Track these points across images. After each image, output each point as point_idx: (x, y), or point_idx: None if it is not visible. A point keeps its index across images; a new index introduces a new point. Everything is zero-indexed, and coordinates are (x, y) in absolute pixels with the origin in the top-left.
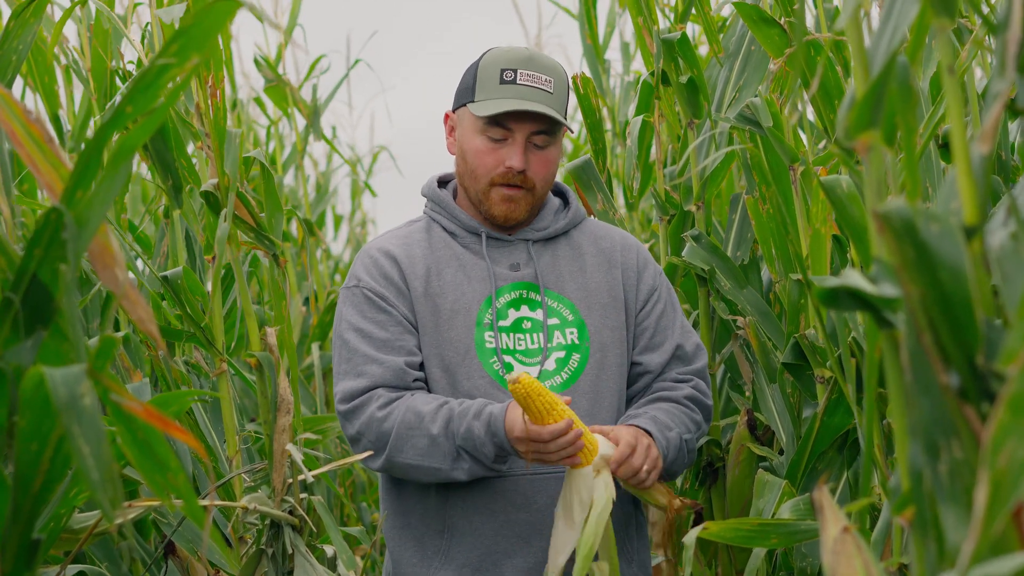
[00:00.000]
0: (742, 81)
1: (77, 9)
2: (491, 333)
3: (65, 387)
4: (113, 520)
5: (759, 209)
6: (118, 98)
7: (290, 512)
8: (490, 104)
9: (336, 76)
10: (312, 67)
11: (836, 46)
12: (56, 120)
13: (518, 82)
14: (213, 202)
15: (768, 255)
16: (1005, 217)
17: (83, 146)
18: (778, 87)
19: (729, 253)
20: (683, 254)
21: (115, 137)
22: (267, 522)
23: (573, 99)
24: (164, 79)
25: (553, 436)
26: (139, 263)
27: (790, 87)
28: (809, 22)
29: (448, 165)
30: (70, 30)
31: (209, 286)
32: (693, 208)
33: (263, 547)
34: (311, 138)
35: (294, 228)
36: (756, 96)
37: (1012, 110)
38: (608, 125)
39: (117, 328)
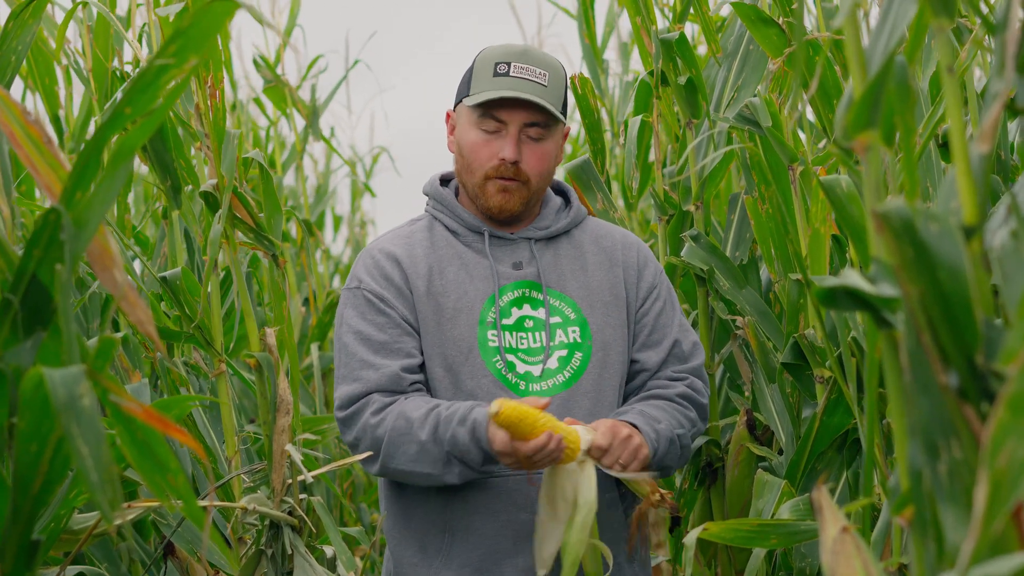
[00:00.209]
0: (740, 81)
1: (78, 10)
2: (494, 331)
3: (64, 388)
4: (112, 521)
5: (758, 209)
6: (117, 99)
7: (289, 513)
8: (482, 95)
9: (336, 77)
10: (310, 67)
11: (835, 46)
12: (56, 121)
13: (511, 74)
14: (212, 203)
15: (767, 255)
16: (1005, 216)
17: (83, 147)
18: (777, 87)
19: (728, 253)
20: (682, 254)
21: (114, 138)
22: (266, 523)
23: (572, 100)
24: (163, 80)
25: (536, 451)
26: (137, 264)
27: (789, 87)
28: (807, 22)
29: (449, 165)
30: (71, 30)
31: (208, 287)
32: (692, 208)
33: (262, 548)
34: (310, 139)
35: (293, 229)
36: (755, 96)
37: (1011, 109)
38: (607, 126)
39: (116, 329)
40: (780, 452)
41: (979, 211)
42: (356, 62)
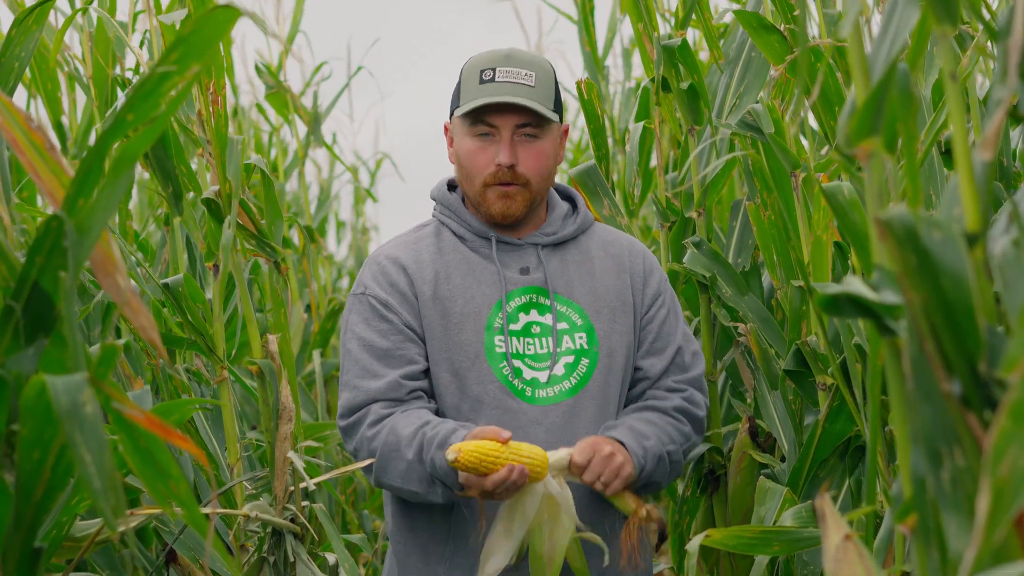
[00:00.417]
0: (743, 87)
1: (78, 16)
2: (501, 337)
3: (67, 395)
4: (115, 528)
5: (760, 215)
6: (119, 106)
7: (292, 520)
8: (469, 104)
9: (338, 82)
10: (313, 74)
11: (837, 52)
12: (59, 127)
13: (496, 79)
14: (214, 209)
15: (769, 262)
16: (1007, 224)
17: (85, 153)
18: (779, 93)
19: (730, 260)
20: (684, 261)
21: (116, 145)
22: (269, 530)
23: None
24: (165, 87)
25: (495, 486)
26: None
27: (791, 93)
28: (809, 28)
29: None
30: (71, 37)
31: (210, 293)
32: (694, 215)
33: (265, 555)
34: (312, 144)
35: (295, 235)
36: (757, 102)
37: (1014, 117)
38: (608, 132)
39: (118, 335)
40: (782, 459)
41: (982, 218)
42: (359, 69)
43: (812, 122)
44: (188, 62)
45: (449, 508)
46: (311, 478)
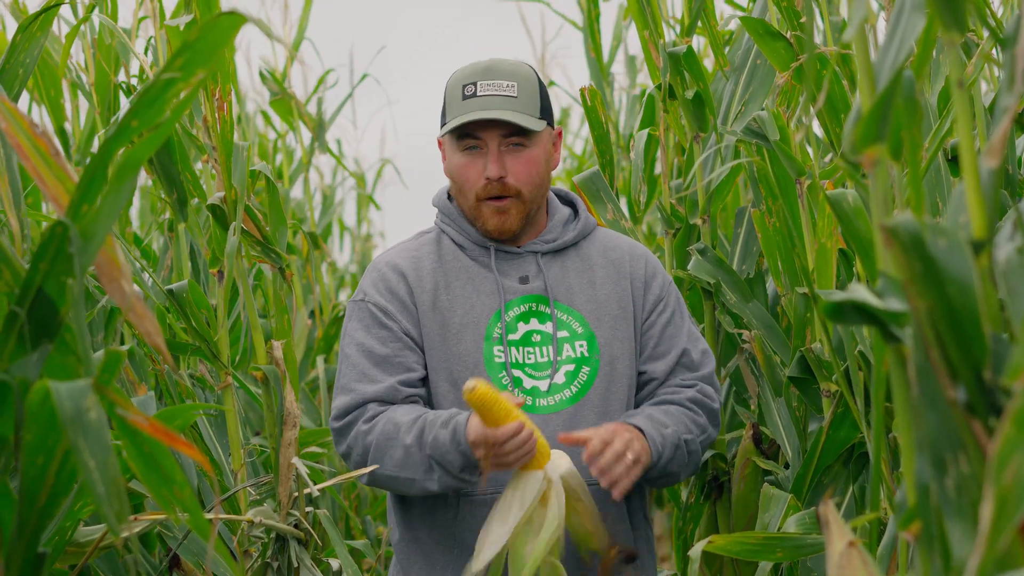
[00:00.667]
0: (748, 95)
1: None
2: (500, 347)
3: (71, 401)
4: (119, 534)
5: (765, 222)
6: (123, 112)
7: (295, 525)
8: (452, 122)
9: (342, 89)
10: (319, 83)
11: (842, 59)
12: (62, 133)
13: (478, 93)
14: (219, 215)
15: (774, 269)
16: (1012, 232)
17: (88, 160)
18: (784, 100)
19: (735, 267)
20: (688, 268)
21: (121, 151)
22: (272, 535)
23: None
24: (169, 93)
25: (507, 437)
26: (144, 276)
27: (796, 101)
28: (814, 35)
29: None
30: (74, 44)
31: (214, 299)
32: (699, 221)
33: (268, 560)
34: (316, 151)
35: (299, 241)
36: (763, 110)
37: (1020, 124)
38: (612, 138)
39: (122, 341)
40: (786, 466)
41: (988, 226)
42: (364, 76)
43: (817, 129)
44: (193, 68)
45: (452, 517)
46: (315, 484)
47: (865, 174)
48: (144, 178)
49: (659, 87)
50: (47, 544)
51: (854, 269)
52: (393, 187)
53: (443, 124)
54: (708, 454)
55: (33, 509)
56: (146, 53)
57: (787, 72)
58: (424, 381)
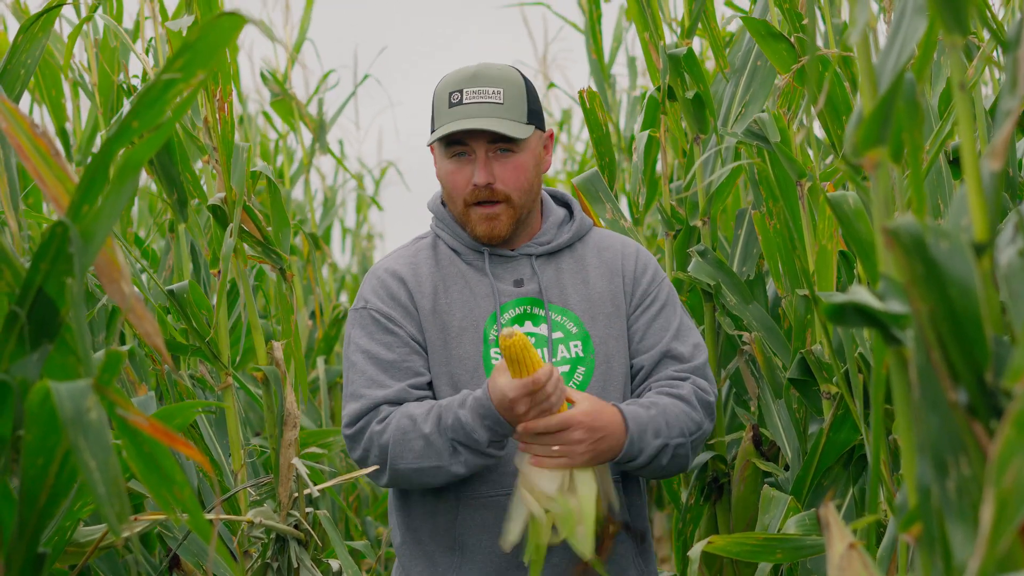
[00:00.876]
0: (748, 96)
1: (83, 24)
2: (496, 350)
3: (71, 401)
4: (119, 534)
5: (766, 224)
6: (124, 112)
7: (295, 526)
8: (439, 131)
9: (344, 89)
10: (320, 83)
11: (844, 61)
12: (63, 134)
13: (464, 101)
14: (220, 216)
15: (775, 270)
16: (1013, 234)
17: (89, 160)
18: (785, 102)
19: (735, 268)
20: (689, 269)
21: (121, 151)
22: (272, 536)
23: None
24: (170, 94)
25: (548, 377)
26: (144, 277)
27: (797, 102)
28: (816, 37)
29: None
30: (76, 44)
31: (214, 300)
32: (699, 223)
33: (268, 561)
34: (317, 152)
35: (300, 242)
36: (763, 111)
37: (1022, 127)
38: (612, 140)
39: (122, 342)
40: (786, 468)
41: (989, 228)
42: (366, 77)
43: (817, 131)
44: (193, 69)
45: (452, 519)
46: (315, 484)
47: (866, 176)
48: (144, 179)
49: (659, 89)
50: (47, 544)
51: (855, 271)
52: (392, 187)
53: (432, 130)
54: (707, 455)
55: (33, 509)
56: (147, 54)
57: (788, 74)
58: (431, 385)
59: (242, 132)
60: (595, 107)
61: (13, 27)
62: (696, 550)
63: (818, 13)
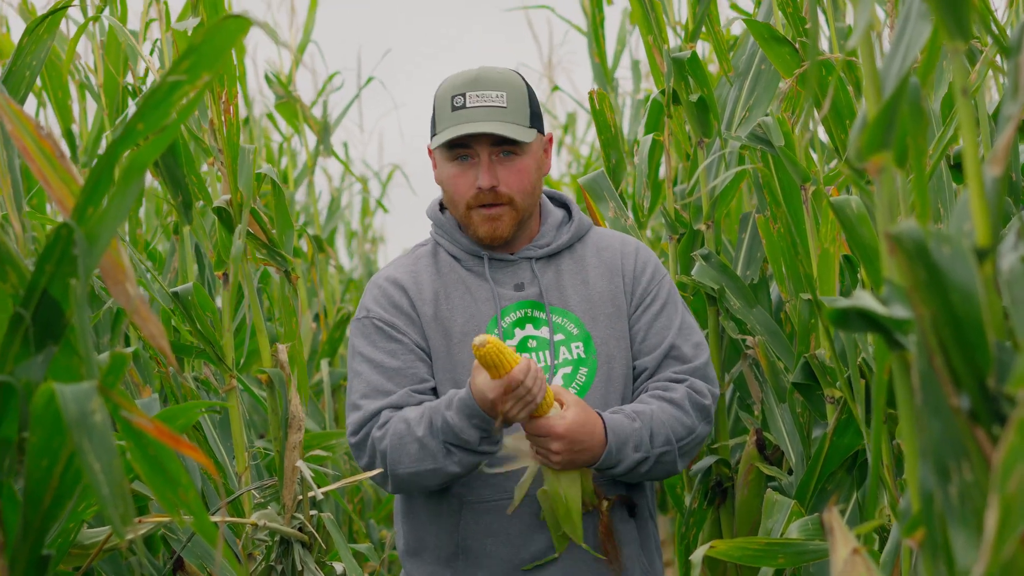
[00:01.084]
0: (752, 100)
1: (90, 24)
2: (509, 342)
3: (76, 403)
4: (123, 536)
5: (769, 228)
6: (129, 114)
7: (299, 529)
8: (442, 134)
9: (347, 91)
10: (324, 85)
11: (847, 65)
12: (69, 135)
13: (467, 105)
14: (225, 218)
15: (778, 274)
16: (1015, 240)
17: (95, 162)
18: (789, 106)
19: (739, 272)
20: (692, 273)
21: (127, 153)
22: (277, 538)
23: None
24: (175, 96)
25: (525, 373)
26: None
27: (801, 106)
28: (820, 41)
29: None
30: (83, 46)
31: (219, 302)
32: (703, 227)
33: (272, 564)
34: (322, 154)
35: (304, 245)
36: (767, 115)
37: (1023, 132)
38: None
39: (127, 344)
40: (790, 472)
41: (992, 233)
42: (370, 80)
43: (822, 134)
44: (199, 71)
45: (455, 524)
46: (319, 487)
47: (870, 180)
48: (151, 181)
49: (663, 92)
50: (51, 546)
51: (858, 275)
52: (396, 190)
53: (433, 134)
54: (711, 459)
55: (37, 511)
56: (152, 55)
57: (792, 78)
58: (435, 391)
59: (247, 134)
60: (604, 108)
61: (17, 28)
62: (698, 555)
63: (822, 17)
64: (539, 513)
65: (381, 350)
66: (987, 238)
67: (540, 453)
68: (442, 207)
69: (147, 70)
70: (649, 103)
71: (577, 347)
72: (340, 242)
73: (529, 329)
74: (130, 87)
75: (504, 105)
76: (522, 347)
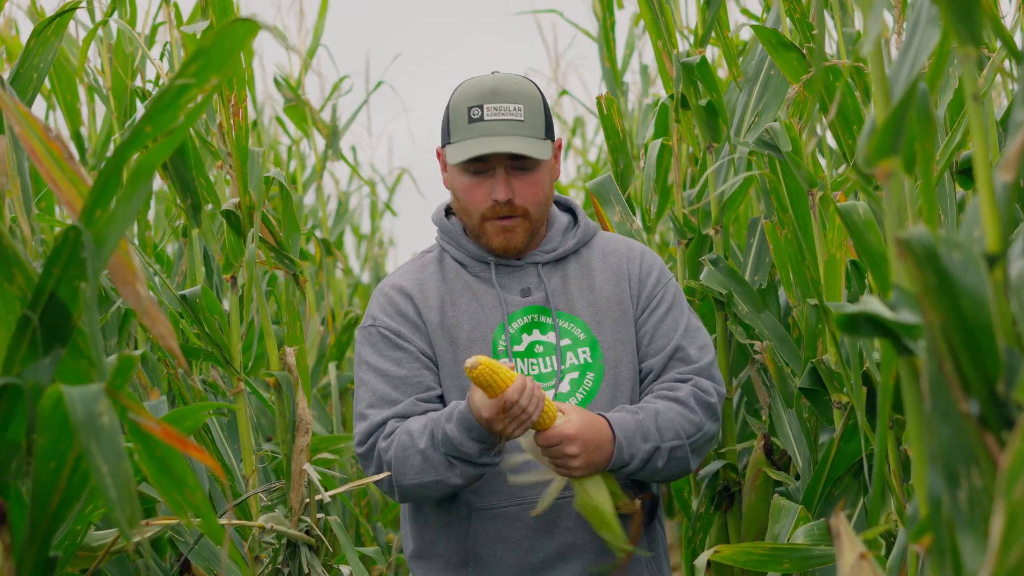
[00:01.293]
0: (761, 105)
1: (98, 29)
2: (506, 360)
3: (83, 405)
4: (130, 538)
5: (777, 234)
6: (137, 117)
7: (306, 532)
8: (461, 148)
9: (355, 95)
10: (334, 89)
11: (855, 71)
12: (78, 138)
13: (485, 118)
14: (234, 221)
15: (785, 280)
16: (1023, 247)
17: (103, 164)
18: (797, 112)
19: (747, 277)
20: (701, 278)
21: (135, 156)
22: (284, 541)
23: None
24: (183, 99)
25: (519, 393)
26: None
27: (808, 112)
28: (829, 47)
29: None
30: (91, 49)
31: (227, 305)
32: (711, 232)
33: (279, 566)
34: (331, 158)
35: (312, 248)
36: (775, 121)
37: None
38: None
39: (135, 346)
40: (797, 477)
41: (1002, 239)
42: (379, 84)
43: (830, 140)
44: (207, 74)
45: (465, 531)
46: (326, 490)
47: (878, 186)
48: (160, 183)
49: (672, 97)
50: (58, 548)
51: (866, 281)
52: (405, 193)
53: (446, 140)
54: (719, 464)
55: (45, 513)
56: (162, 59)
57: (799, 83)
58: (441, 399)
59: (255, 137)
60: (612, 113)
61: (27, 31)
62: (703, 559)
63: (830, 21)
64: (548, 517)
65: (387, 359)
66: (997, 244)
67: (560, 465)
68: (447, 213)
69: (157, 75)
70: (658, 107)
71: (584, 352)
72: (350, 246)
73: (536, 334)
74: (139, 90)
75: (522, 119)
76: (529, 352)
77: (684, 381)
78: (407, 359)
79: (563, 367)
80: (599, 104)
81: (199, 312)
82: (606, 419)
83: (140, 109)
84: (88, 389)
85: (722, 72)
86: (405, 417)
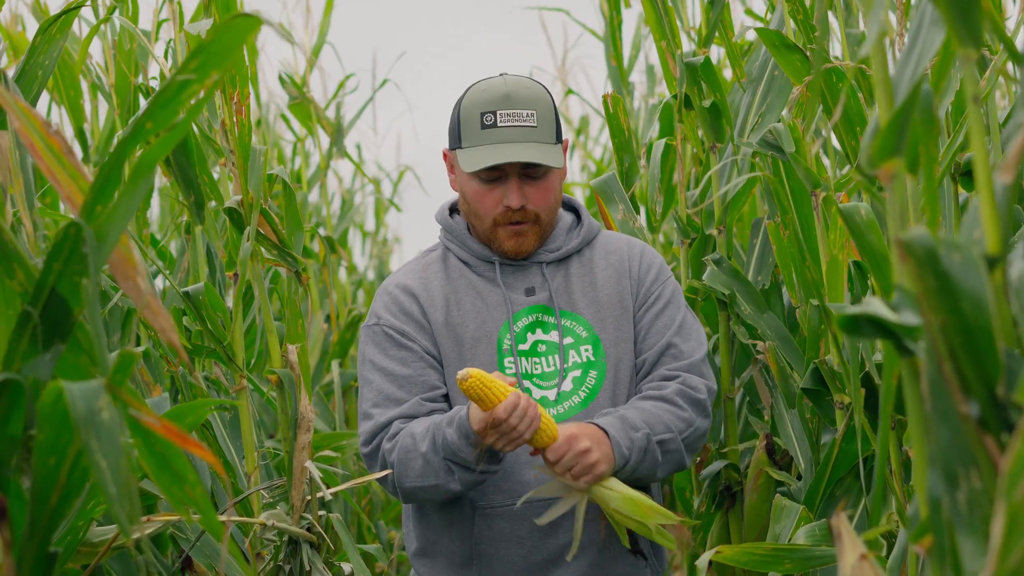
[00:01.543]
0: (765, 106)
1: (101, 25)
2: (511, 359)
3: (83, 401)
4: (131, 535)
5: (780, 234)
6: (139, 113)
7: (308, 529)
8: (474, 154)
9: (360, 92)
10: (339, 87)
11: (859, 73)
12: (81, 134)
13: (499, 125)
14: (236, 219)
15: (788, 280)
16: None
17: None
18: (801, 113)
19: (750, 277)
20: (704, 278)
21: (137, 152)
22: (285, 538)
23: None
24: (184, 95)
25: (509, 411)
26: (160, 278)
27: (811, 113)
28: (833, 48)
29: None
30: (94, 46)
31: (230, 302)
32: (715, 232)
33: (280, 563)
34: (335, 155)
35: (317, 245)
36: (779, 121)
37: None
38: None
39: (137, 343)
40: (799, 477)
41: (1002, 241)
42: (384, 82)
43: (834, 142)
44: (208, 70)
45: (468, 530)
46: (328, 488)
47: (881, 187)
48: (162, 180)
49: (676, 97)
50: (59, 544)
51: (868, 282)
52: (410, 191)
53: (456, 144)
54: (720, 464)
55: (45, 509)
56: (165, 56)
57: (802, 84)
58: (446, 398)
59: (260, 135)
60: (618, 112)
61: (33, 28)
62: (704, 559)
63: (834, 22)
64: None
65: (392, 358)
66: (997, 246)
67: (582, 471)
68: (451, 212)
69: (161, 72)
70: (662, 107)
71: (586, 350)
72: (356, 244)
73: (539, 333)
74: (143, 87)
75: (535, 125)
76: (533, 351)
77: (672, 379)
78: (412, 358)
79: (565, 365)
80: (605, 103)
81: (202, 309)
82: (591, 423)
83: (143, 105)
84: (88, 385)
85: (726, 72)
86: (410, 417)
